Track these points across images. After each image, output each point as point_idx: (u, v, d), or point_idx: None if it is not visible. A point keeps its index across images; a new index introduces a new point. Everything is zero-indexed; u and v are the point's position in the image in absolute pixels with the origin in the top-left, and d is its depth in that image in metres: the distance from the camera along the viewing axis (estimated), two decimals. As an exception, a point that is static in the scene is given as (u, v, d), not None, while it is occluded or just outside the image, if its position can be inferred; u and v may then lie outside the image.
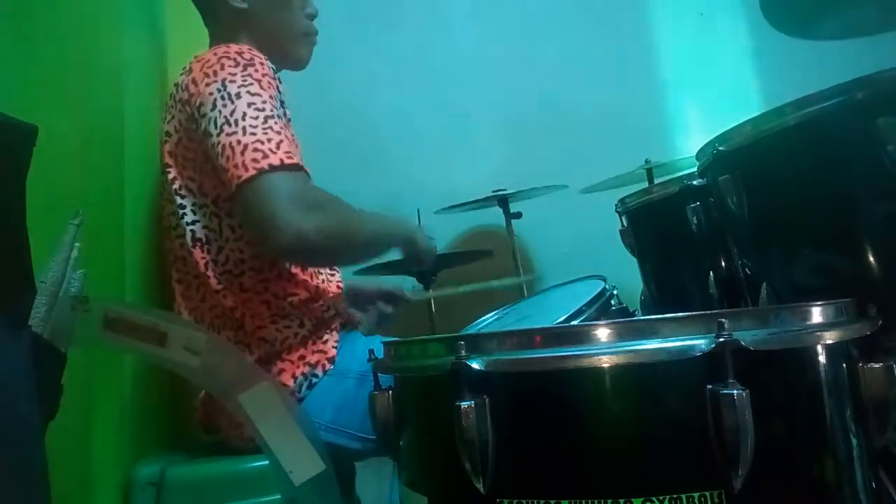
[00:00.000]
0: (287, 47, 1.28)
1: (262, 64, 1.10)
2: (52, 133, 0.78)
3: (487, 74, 2.35)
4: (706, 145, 0.96)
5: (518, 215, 2.03)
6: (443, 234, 2.20)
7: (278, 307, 1.13)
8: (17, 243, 0.67)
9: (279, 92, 1.11)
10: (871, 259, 0.80)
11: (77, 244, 0.76)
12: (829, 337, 0.59)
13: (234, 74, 1.05)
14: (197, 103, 1.06)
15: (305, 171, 1.03)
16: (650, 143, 2.10)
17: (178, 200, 1.12)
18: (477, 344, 0.62)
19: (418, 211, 1.95)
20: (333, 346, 1.14)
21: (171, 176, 1.14)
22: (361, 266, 1.82)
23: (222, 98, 1.03)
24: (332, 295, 1.23)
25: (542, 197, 2.02)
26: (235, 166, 0.98)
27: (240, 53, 1.09)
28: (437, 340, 0.68)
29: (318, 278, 1.22)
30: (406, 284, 2.13)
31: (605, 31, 2.38)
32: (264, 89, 1.06)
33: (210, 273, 1.11)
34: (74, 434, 0.95)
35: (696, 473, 0.55)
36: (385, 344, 0.79)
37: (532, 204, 2.04)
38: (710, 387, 0.54)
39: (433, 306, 1.99)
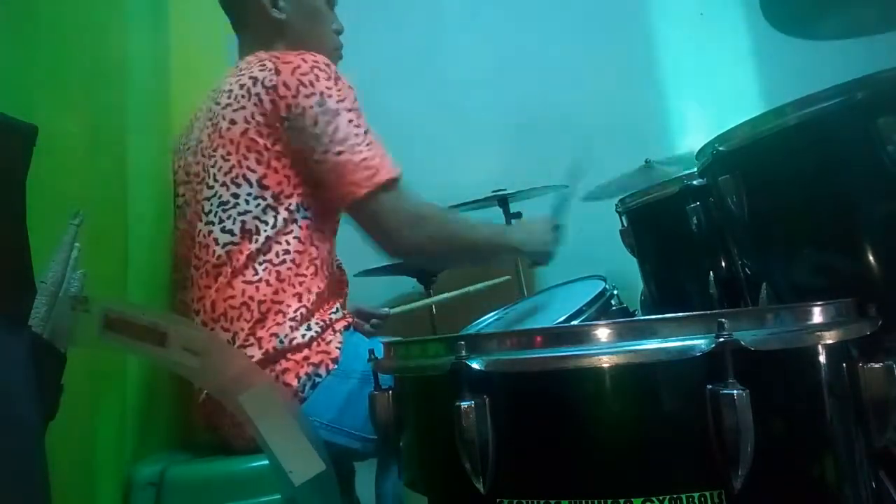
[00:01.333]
0: None
1: (343, 78, 1.17)
2: (52, 133, 0.78)
3: (487, 75, 2.35)
4: (706, 145, 0.96)
5: (518, 215, 2.03)
6: (443, 234, 2.20)
7: (308, 301, 1.14)
8: (17, 243, 0.67)
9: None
10: (871, 259, 0.80)
11: (77, 244, 0.76)
12: (829, 337, 0.59)
13: (330, 88, 1.13)
14: (292, 110, 1.12)
15: (400, 178, 1.14)
16: (650, 143, 2.10)
17: (233, 189, 1.14)
18: (477, 344, 0.62)
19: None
20: (337, 347, 1.14)
21: (230, 163, 1.15)
22: (362, 270, 1.83)
23: (324, 114, 1.11)
24: (341, 295, 1.27)
25: (542, 197, 2.01)
26: (352, 184, 1.10)
27: (327, 65, 1.16)
28: (437, 340, 0.68)
29: (337, 277, 1.27)
30: (406, 285, 2.14)
31: (605, 31, 2.38)
32: (354, 101, 1.15)
33: (250, 263, 1.12)
34: (74, 434, 0.95)
35: (696, 473, 0.55)
36: (385, 344, 0.79)
37: (532, 204, 2.04)
38: (710, 387, 0.54)
39: (433, 307, 1.99)
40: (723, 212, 0.95)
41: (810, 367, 0.60)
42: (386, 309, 1.54)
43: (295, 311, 1.12)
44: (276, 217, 1.14)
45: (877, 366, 0.60)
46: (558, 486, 0.57)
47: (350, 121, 1.12)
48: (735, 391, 0.52)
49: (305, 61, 1.14)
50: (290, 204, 1.15)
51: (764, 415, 0.53)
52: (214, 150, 1.17)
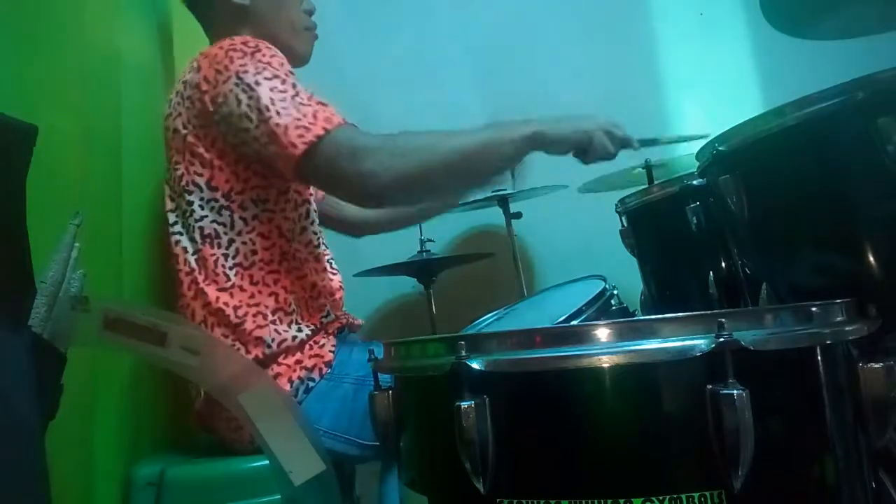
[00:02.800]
0: (288, 43, 1.29)
1: (267, 48, 1.12)
2: (51, 133, 0.78)
3: (487, 74, 2.35)
4: (706, 145, 0.96)
5: (518, 215, 2.03)
6: (443, 234, 2.20)
7: (284, 301, 1.13)
8: (17, 243, 0.67)
9: (289, 66, 1.13)
10: (871, 259, 0.80)
11: (77, 244, 0.76)
12: (829, 337, 0.59)
13: (245, 64, 1.08)
14: (215, 101, 1.08)
15: (350, 125, 1.06)
16: (650, 143, 2.09)
17: (186, 196, 1.13)
18: (477, 344, 0.62)
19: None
20: (330, 351, 1.13)
21: (178, 172, 1.14)
22: (362, 270, 1.82)
23: (244, 91, 1.06)
24: (332, 296, 1.23)
25: (542, 197, 2.02)
26: (285, 146, 1.02)
27: (244, 43, 1.11)
28: (437, 340, 0.68)
29: (321, 275, 1.22)
30: (406, 285, 2.14)
31: (605, 30, 2.38)
32: (277, 69, 1.09)
33: (219, 269, 1.11)
34: (74, 434, 0.95)
35: (696, 473, 0.55)
36: (385, 344, 0.79)
37: (532, 204, 2.04)
38: (710, 387, 0.54)
39: (433, 307, 1.99)
40: (723, 212, 0.95)
41: (810, 367, 0.60)
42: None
43: (274, 313, 1.11)
44: (232, 217, 1.12)
45: (877, 366, 0.60)
46: (558, 486, 0.57)
47: (272, 88, 1.06)
48: (735, 391, 0.52)
49: (222, 48, 1.11)
50: (242, 201, 1.13)
51: (764, 415, 0.53)
52: (168, 162, 1.17)
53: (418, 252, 1.93)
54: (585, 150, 1.15)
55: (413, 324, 2.14)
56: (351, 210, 1.53)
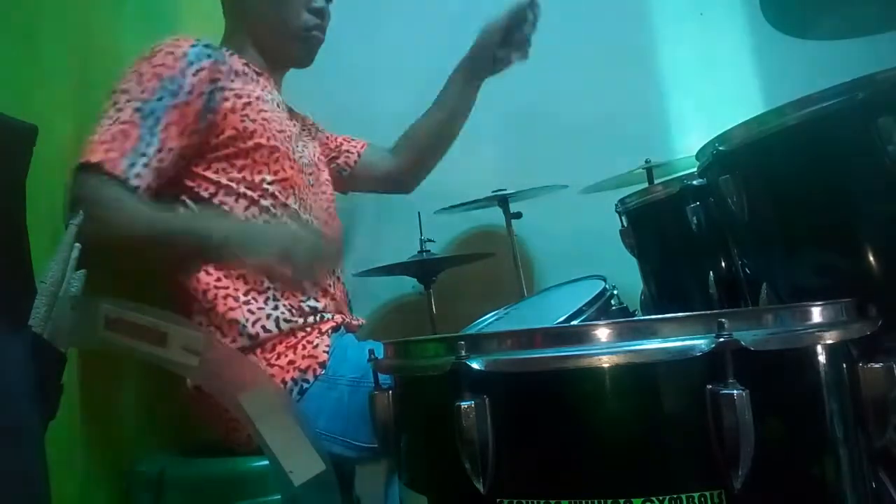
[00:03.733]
0: (279, 46, 1.30)
1: (167, 54, 1.09)
2: (51, 133, 0.78)
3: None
4: (706, 145, 0.96)
5: (518, 215, 2.02)
6: (443, 234, 2.20)
7: (254, 280, 1.11)
8: (17, 243, 0.67)
9: (171, 80, 1.07)
10: (871, 259, 0.80)
11: (77, 244, 0.76)
12: (829, 337, 0.59)
13: (128, 71, 1.08)
14: None
15: (121, 174, 1.00)
16: (650, 143, 2.10)
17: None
18: (477, 344, 0.62)
19: (419, 214, 1.95)
20: (324, 351, 1.12)
21: None
22: (362, 270, 1.82)
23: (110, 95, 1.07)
24: (323, 291, 1.21)
25: (542, 197, 2.01)
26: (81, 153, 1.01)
27: (157, 46, 1.11)
28: (437, 340, 0.69)
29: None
30: (406, 285, 2.14)
31: (604, 30, 2.38)
32: (138, 82, 1.06)
33: None
34: (74, 434, 0.95)
35: (696, 473, 0.55)
36: (385, 344, 0.79)
37: (532, 204, 2.04)
38: (710, 387, 0.54)
39: (433, 307, 1.98)
40: (723, 212, 0.95)
41: (810, 367, 0.60)
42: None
43: (247, 294, 1.10)
44: (188, 200, 1.12)
45: (877, 366, 0.60)
46: (558, 486, 0.57)
47: (115, 103, 1.05)
48: (735, 391, 0.52)
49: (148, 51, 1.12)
50: (199, 182, 1.12)
51: (764, 415, 0.53)
52: None
53: (418, 252, 1.93)
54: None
55: (413, 324, 2.14)
56: (384, 164, 1.62)
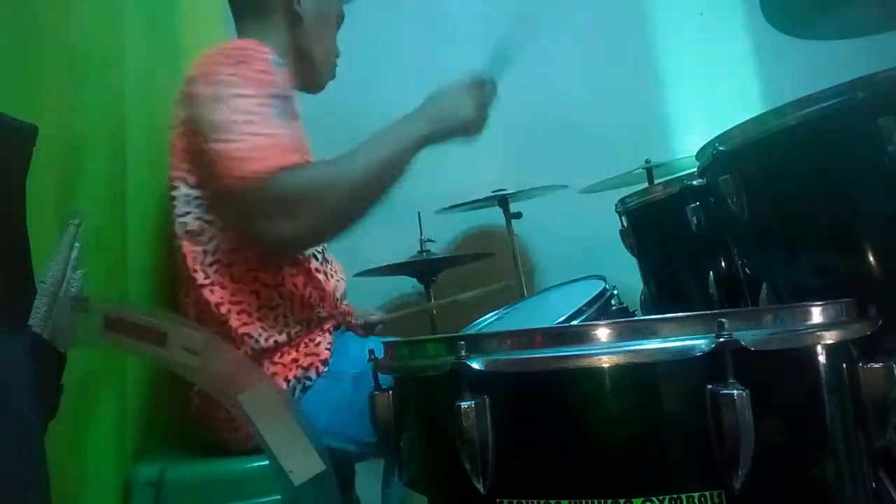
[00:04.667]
0: (318, 67, 1.32)
1: (259, 60, 1.09)
2: (52, 133, 0.78)
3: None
4: (706, 145, 0.96)
5: (518, 215, 2.03)
6: (443, 234, 2.20)
7: (267, 297, 1.12)
8: (17, 243, 0.67)
9: (276, 86, 1.09)
10: (871, 259, 0.80)
11: (77, 244, 0.76)
12: (829, 337, 0.59)
13: (225, 74, 1.07)
14: (194, 101, 1.08)
15: (284, 164, 1.00)
16: (650, 143, 2.10)
17: (174, 192, 1.12)
18: (477, 344, 0.62)
19: (419, 214, 1.95)
20: (326, 348, 1.13)
21: (171, 167, 1.14)
22: (362, 270, 1.82)
23: (213, 101, 1.05)
24: (322, 298, 1.21)
25: (542, 197, 2.02)
26: (219, 174, 1.01)
27: (237, 49, 1.10)
28: (437, 340, 0.69)
29: (306, 277, 1.20)
30: (406, 285, 2.14)
31: (605, 30, 2.38)
32: (253, 86, 1.06)
33: (198, 266, 1.10)
34: (74, 434, 0.95)
35: (696, 473, 0.55)
36: (385, 344, 0.79)
37: (532, 204, 2.04)
38: (710, 387, 0.54)
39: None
40: (723, 212, 0.95)
41: (810, 367, 0.60)
42: (377, 315, 1.47)
43: (259, 310, 1.10)
44: (214, 215, 1.11)
45: (877, 366, 0.60)
46: (558, 486, 0.57)
47: (235, 107, 1.04)
48: (735, 391, 0.52)
49: (218, 49, 1.11)
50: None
51: (764, 415, 0.53)
52: (170, 158, 1.17)
53: (418, 252, 1.93)
54: (468, 131, 1.20)
55: (413, 324, 2.14)
56: None
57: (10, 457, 0.62)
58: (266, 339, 1.09)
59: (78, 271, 0.77)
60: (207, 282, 1.10)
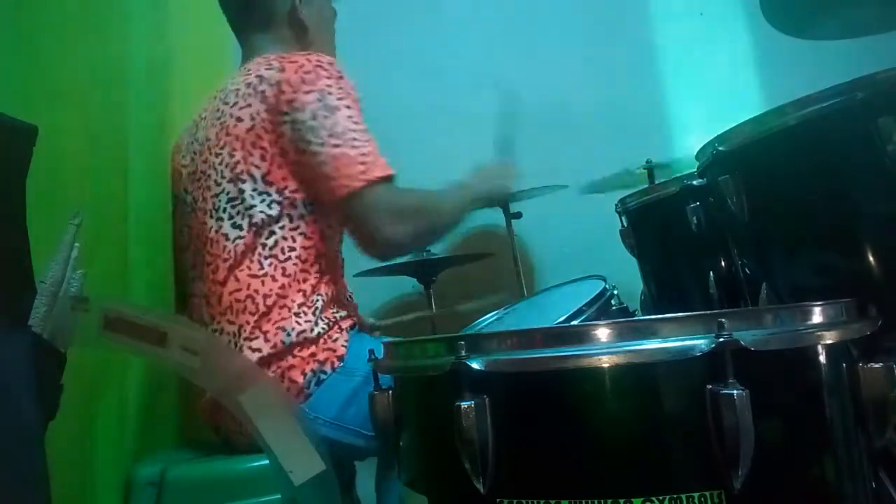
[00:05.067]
0: None
1: (345, 76, 1.19)
2: (52, 133, 0.78)
3: (488, 74, 2.35)
4: (706, 145, 0.96)
5: (518, 215, 2.03)
6: (443, 234, 2.20)
7: (309, 299, 1.15)
8: (17, 243, 0.67)
9: (359, 103, 1.20)
10: (871, 259, 0.80)
11: (77, 244, 0.76)
12: (829, 337, 0.59)
13: (331, 86, 1.15)
14: (293, 105, 1.14)
15: (393, 178, 1.15)
16: (650, 143, 2.10)
17: (239, 185, 1.16)
18: (477, 344, 0.62)
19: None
20: (343, 345, 1.15)
21: (235, 159, 1.17)
22: (362, 270, 1.83)
23: (323, 109, 1.13)
24: (350, 299, 1.29)
25: (542, 197, 2.01)
26: (347, 177, 1.11)
27: (331, 64, 1.19)
28: (437, 340, 0.68)
29: (342, 279, 1.28)
30: (406, 285, 2.14)
31: (605, 30, 2.38)
32: (354, 102, 1.17)
33: (255, 257, 1.14)
34: (74, 434, 0.95)
35: (696, 473, 0.55)
36: (385, 344, 0.79)
37: (532, 204, 2.04)
38: (710, 387, 0.54)
39: (433, 306, 1.99)
40: (723, 212, 0.95)
41: (810, 367, 0.60)
42: (371, 320, 1.53)
43: (299, 307, 1.14)
44: (281, 212, 1.16)
45: (877, 366, 0.60)
46: (558, 486, 0.57)
47: (349, 117, 1.14)
48: (735, 391, 0.52)
49: (310, 60, 1.17)
50: (295, 200, 1.17)
51: (764, 415, 0.53)
52: (221, 148, 1.19)
53: (418, 252, 1.93)
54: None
55: (413, 324, 2.14)
56: None
57: (10, 457, 0.62)
58: (297, 335, 1.12)
59: (78, 271, 0.77)
60: (261, 273, 1.14)
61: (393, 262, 1.87)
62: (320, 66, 1.17)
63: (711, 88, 2.32)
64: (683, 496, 0.54)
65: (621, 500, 0.54)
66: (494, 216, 2.06)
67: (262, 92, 1.16)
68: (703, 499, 0.54)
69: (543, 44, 2.38)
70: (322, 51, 1.31)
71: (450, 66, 2.38)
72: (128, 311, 0.81)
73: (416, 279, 2.02)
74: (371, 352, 0.79)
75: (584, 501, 0.56)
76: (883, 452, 0.65)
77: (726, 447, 0.53)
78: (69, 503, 0.93)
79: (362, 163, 1.11)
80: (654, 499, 0.54)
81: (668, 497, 0.54)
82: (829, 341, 0.59)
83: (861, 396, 0.60)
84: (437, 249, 2.10)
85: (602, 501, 0.55)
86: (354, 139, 1.13)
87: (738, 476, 0.52)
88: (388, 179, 1.13)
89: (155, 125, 1.27)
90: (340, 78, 1.18)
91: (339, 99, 1.15)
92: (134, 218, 1.17)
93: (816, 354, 0.60)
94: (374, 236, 1.14)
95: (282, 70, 1.16)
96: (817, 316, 0.61)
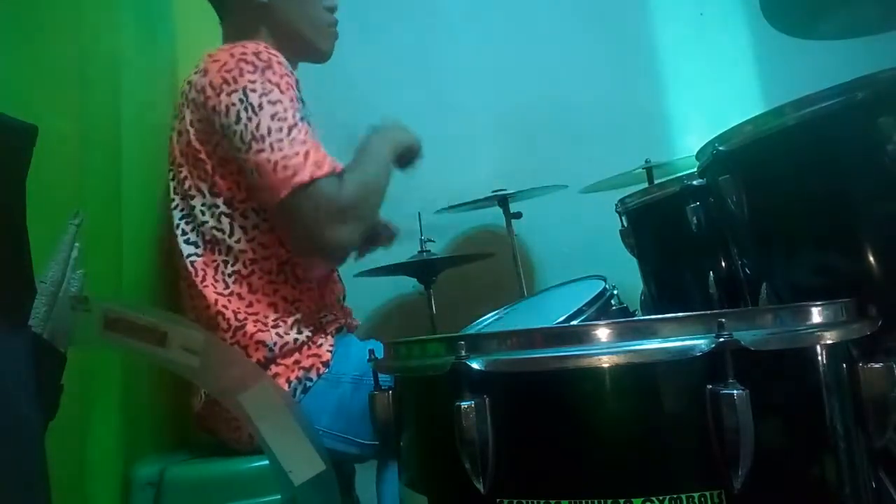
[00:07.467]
0: (311, 40, 1.29)
1: (279, 63, 1.10)
2: (51, 133, 0.78)
3: (488, 74, 2.35)
4: (706, 145, 0.96)
5: (518, 215, 2.02)
6: (443, 233, 2.20)
7: (285, 310, 1.13)
8: (17, 243, 0.67)
9: (297, 89, 1.11)
10: (871, 259, 0.80)
11: (77, 244, 0.76)
12: (829, 337, 0.59)
13: (254, 82, 1.06)
14: (217, 110, 1.07)
15: (333, 170, 1.06)
16: (650, 143, 2.10)
17: (190, 201, 1.12)
18: (477, 344, 0.62)
19: (419, 214, 1.95)
20: (328, 350, 1.13)
21: (182, 175, 1.14)
22: (362, 270, 1.82)
23: (245, 110, 1.05)
24: (334, 304, 1.24)
25: (542, 197, 2.01)
26: (271, 186, 1.03)
27: (257, 55, 1.09)
28: (437, 340, 0.69)
29: (324, 286, 1.23)
30: (406, 285, 2.14)
31: (605, 30, 2.38)
32: (284, 93, 1.07)
33: (218, 276, 1.11)
34: (74, 434, 0.95)
35: (696, 473, 0.55)
36: (385, 344, 0.79)
37: (532, 204, 2.04)
38: (710, 387, 0.54)
39: (433, 307, 1.99)
40: (723, 212, 0.95)
41: (810, 367, 0.60)
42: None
43: (275, 321, 1.11)
44: (232, 225, 1.11)
45: (877, 366, 0.60)
46: (558, 486, 0.57)
47: (273, 115, 1.05)
48: (735, 391, 0.52)
49: (233, 56, 1.09)
50: (244, 209, 1.12)
51: (764, 415, 0.53)
52: (172, 163, 1.17)
53: (418, 252, 1.93)
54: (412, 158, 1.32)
55: (413, 324, 2.14)
56: None
57: (10, 457, 0.62)
58: (280, 348, 1.10)
59: (78, 271, 0.77)
60: (226, 292, 1.11)
61: (393, 263, 1.88)
62: (244, 60, 1.07)
63: (711, 88, 2.32)
64: (683, 496, 0.54)
65: (621, 500, 0.54)
66: (494, 216, 2.06)
67: (193, 100, 1.11)
68: (702, 499, 0.54)
69: (543, 43, 2.38)
70: (300, 30, 1.26)
71: (449, 67, 2.38)
72: (128, 311, 0.81)
73: (416, 279, 2.01)
74: (371, 352, 0.79)
75: (584, 501, 0.56)
76: (883, 452, 0.65)
77: (726, 447, 0.53)
78: (69, 503, 0.93)
79: (286, 167, 1.02)
80: (654, 499, 0.54)
81: (668, 497, 0.54)
82: (829, 341, 0.59)
83: (861, 396, 0.61)
84: (438, 249, 2.10)
85: (602, 501, 0.55)
86: (279, 140, 1.03)
87: (737, 476, 0.53)
88: (323, 178, 1.03)
89: (152, 126, 1.26)
90: (267, 69, 1.08)
91: (263, 95, 1.05)
92: (129, 219, 1.17)
93: (816, 354, 0.60)
94: (313, 242, 1.06)
95: (205, 73, 1.10)
96: (817, 316, 0.61)
